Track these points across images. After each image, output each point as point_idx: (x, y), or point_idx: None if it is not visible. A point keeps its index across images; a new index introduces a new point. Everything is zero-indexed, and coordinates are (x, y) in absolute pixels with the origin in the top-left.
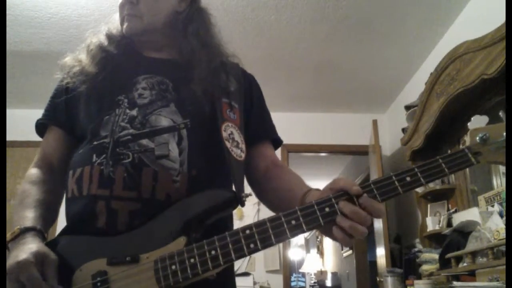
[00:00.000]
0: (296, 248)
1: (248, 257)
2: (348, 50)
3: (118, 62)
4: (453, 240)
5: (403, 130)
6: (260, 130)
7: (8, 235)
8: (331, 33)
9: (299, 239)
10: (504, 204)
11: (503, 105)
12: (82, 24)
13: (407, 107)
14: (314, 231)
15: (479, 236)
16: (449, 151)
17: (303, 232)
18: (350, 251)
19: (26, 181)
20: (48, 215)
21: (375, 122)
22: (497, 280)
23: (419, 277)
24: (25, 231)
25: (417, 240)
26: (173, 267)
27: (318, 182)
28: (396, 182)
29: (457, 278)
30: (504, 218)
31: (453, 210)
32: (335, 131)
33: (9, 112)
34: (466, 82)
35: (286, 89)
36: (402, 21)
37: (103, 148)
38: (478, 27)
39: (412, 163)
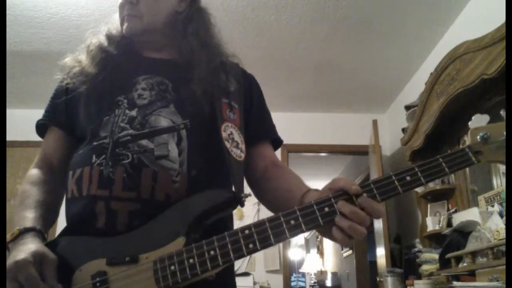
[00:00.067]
0: (296, 248)
1: (248, 257)
2: (348, 50)
3: (118, 62)
4: (453, 240)
5: (403, 130)
6: (260, 130)
7: (8, 236)
8: (331, 33)
9: (299, 239)
10: (504, 204)
11: (503, 105)
12: (82, 24)
13: (407, 107)
14: (314, 231)
15: (479, 236)
16: (449, 151)
17: (302, 232)
18: (350, 251)
19: (26, 181)
20: (48, 215)
21: (375, 122)
22: (497, 280)
23: (419, 277)
24: (24, 231)
25: (417, 240)
26: (172, 267)
27: (318, 182)
28: (396, 182)
29: (457, 278)
30: (504, 218)
31: (453, 210)
32: (335, 131)
33: (9, 112)
34: (466, 82)
35: (286, 89)
36: (402, 21)
37: (102, 149)
38: (478, 27)
39: (412, 163)
